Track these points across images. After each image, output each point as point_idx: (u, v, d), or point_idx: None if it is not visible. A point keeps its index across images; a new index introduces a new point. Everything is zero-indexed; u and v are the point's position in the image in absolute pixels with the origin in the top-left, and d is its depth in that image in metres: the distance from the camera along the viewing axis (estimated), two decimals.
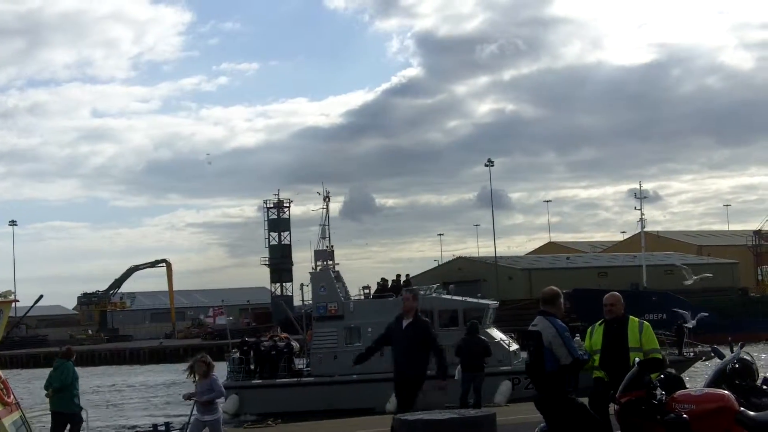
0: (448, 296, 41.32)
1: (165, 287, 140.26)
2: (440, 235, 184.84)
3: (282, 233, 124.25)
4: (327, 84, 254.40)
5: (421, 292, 41.26)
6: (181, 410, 40.82)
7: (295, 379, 39.91)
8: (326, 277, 41.57)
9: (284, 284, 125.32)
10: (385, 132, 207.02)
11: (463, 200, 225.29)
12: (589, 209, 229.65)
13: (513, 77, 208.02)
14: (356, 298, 42.11)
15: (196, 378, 15.77)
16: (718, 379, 10.97)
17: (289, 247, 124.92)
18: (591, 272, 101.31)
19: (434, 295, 41.02)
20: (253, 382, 39.92)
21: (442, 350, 13.64)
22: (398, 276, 44.68)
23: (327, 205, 43.67)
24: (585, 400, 10.74)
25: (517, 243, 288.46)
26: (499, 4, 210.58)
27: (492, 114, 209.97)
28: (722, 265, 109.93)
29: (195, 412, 16.40)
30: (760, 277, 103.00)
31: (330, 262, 42.41)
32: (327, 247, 42.90)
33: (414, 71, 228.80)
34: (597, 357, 11.04)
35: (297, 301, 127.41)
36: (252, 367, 40.55)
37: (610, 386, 10.52)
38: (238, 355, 40.91)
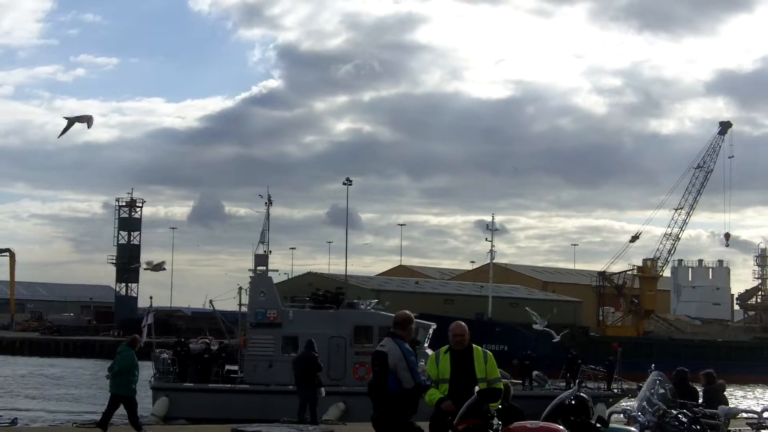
0: (390, 314, 41.00)
1: (6, 277, 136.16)
2: (292, 248, 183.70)
3: (132, 233, 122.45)
4: (185, 86, 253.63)
5: (361, 307, 40.93)
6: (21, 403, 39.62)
7: (229, 386, 38.69)
8: (267, 283, 40.58)
9: (130, 285, 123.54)
10: (241, 141, 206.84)
11: (315, 216, 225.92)
12: (438, 236, 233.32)
13: (372, 99, 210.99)
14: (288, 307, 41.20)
15: None
16: (555, 413, 11.11)
17: (138, 247, 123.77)
18: (438, 298, 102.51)
19: (373, 310, 40.56)
20: (185, 384, 38.41)
21: None
22: (338, 289, 44.96)
23: (268, 209, 42.98)
24: (424, 424, 10.74)
25: (366, 263, 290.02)
26: (363, 25, 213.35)
27: (349, 133, 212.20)
28: (566, 302, 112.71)
29: None
30: (601, 317, 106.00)
31: (263, 268, 41.37)
32: (265, 251, 41.97)
33: (275, 83, 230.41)
34: (445, 386, 11.03)
35: (141, 303, 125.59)
36: (177, 369, 38.78)
37: (454, 414, 10.52)
38: (167, 356, 39.09)
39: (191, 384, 38.47)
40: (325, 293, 43.07)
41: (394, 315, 37.23)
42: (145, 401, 42.51)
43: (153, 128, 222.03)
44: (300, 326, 38.47)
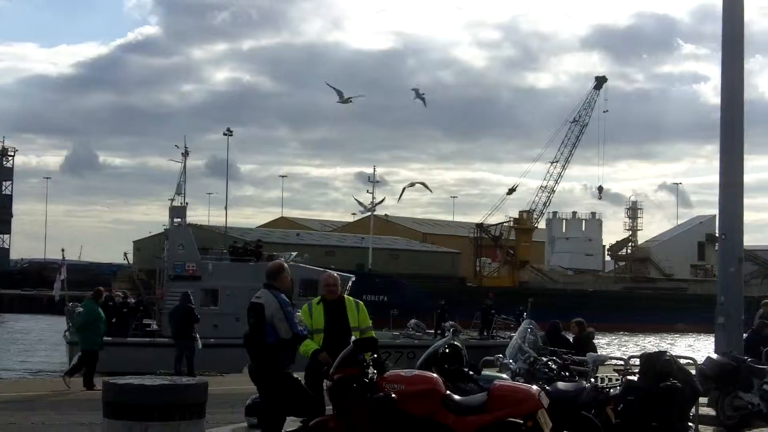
0: (309, 266, 40.79)
1: None
2: (171, 200, 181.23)
3: (4, 183, 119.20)
4: (59, 32, 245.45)
5: (281, 259, 40.60)
6: None
7: (148, 339, 38.02)
8: (186, 235, 40.22)
9: (2, 236, 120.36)
10: (117, 89, 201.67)
11: (193, 167, 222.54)
12: (319, 188, 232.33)
13: (252, 48, 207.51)
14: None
15: None
16: (429, 362, 11.34)
17: (9, 197, 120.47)
18: (320, 250, 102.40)
19: (293, 263, 40.32)
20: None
21: None
22: (259, 241, 44.97)
23: (185, 160, 42.55)
24: (301, 375, 10.82)
25: (246, 215, 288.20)
26: None
27: (228, 83, 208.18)
28: (445, 253, 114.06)
29: None
30: (478, 268, 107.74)
31: (179, 220, 41.07)
32: (182, 203, 41.55)
33: (151, 29, 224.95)
34: (320, 336, 11.12)
35: (13, 255, 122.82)
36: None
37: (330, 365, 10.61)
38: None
39: (108, 338, 37.94)
40: (245, 246, 43.18)
41: (313, 268, 37.38)
42: (61, 356, 41.95)
43: (24, 74, 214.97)
44: (220, 279, 38.69)
